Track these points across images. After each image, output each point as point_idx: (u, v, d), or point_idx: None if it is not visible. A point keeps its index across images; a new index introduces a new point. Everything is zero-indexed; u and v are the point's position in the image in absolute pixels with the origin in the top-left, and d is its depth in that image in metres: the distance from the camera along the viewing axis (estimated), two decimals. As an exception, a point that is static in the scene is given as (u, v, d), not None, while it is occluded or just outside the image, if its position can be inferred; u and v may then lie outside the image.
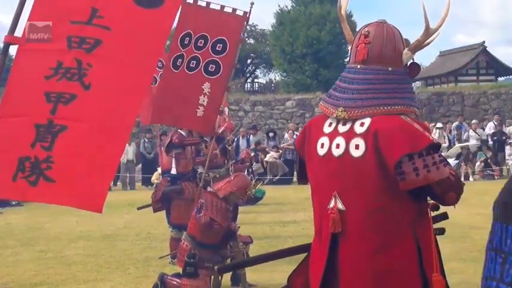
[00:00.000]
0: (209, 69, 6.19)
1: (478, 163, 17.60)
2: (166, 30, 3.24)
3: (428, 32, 2.75)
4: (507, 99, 21.97)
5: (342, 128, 2.67)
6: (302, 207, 12.16)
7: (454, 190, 2.63)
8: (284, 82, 33.92)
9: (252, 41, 46.39)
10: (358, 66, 2.73)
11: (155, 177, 15.54)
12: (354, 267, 2.60)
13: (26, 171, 3.01)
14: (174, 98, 6.17)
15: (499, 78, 32.73)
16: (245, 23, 6.46)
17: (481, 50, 31.33)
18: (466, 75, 31.47)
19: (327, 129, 2.73)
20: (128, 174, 17.61)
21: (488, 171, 17.39)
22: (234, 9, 6.37)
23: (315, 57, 31.34)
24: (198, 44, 6.11)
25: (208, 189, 5.72)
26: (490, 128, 18.70)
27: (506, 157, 17.69)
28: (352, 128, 2.64)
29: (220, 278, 5.66)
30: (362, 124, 2.61)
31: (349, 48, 2.86)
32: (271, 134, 19.42)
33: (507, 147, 17.69)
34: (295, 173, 18.56)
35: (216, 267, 2.92)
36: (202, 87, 6.20)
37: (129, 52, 3.11)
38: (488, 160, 17.57)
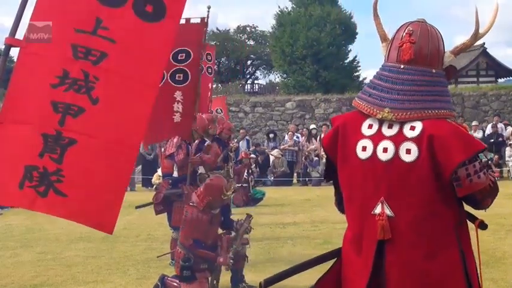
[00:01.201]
0: (176, 78, 6.43)
1: (477, 164, 17.57)
2: (168, 44, 3.22)
3: (476, 37, 2.68)
4: (507, 100, 21.94)
5: (388, 131, 2.56)
6: (302, 209, 12.18)
7: (491, 196, 2.61)
8: (284, 83, 33.93)
9: (252, 42, 46.47)
10: (402, 66, 2.60)
11: (155, 178, 15.48)
12: (404, 274, 2.52)
13: (34, 180, 2.95)
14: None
15: (499, 80, 32.74)
16: (205, 29, 6.72)
17: (481, 51, 31.30)
18: (466, 76, 31.46)
19: (366, 131, 2.61)
20: (127, 176, 17.56)
21: (488, 172, 17.37)
22: (188, 19, 6.59)
23: (315, 59, 31.34)
24: None
25: (191, 201, 5.53)
26: (490, 129, 18.70)
27: (507, 158, 17.67)
28: (400, 131, 2.54)
29: (216, 282, 5.61)
30: (413, 128, 2.52)
31: (382, 45, 2.75)
32: (271, 135, 19.42)
33: (507, 149, 17.67)
34: (295, 174, 18.60)
35: (260, 282, 2.83)
36: (174, 95, 6.46)
37: (134, 66, 3.07)
38: (489, 162, 17.55)
